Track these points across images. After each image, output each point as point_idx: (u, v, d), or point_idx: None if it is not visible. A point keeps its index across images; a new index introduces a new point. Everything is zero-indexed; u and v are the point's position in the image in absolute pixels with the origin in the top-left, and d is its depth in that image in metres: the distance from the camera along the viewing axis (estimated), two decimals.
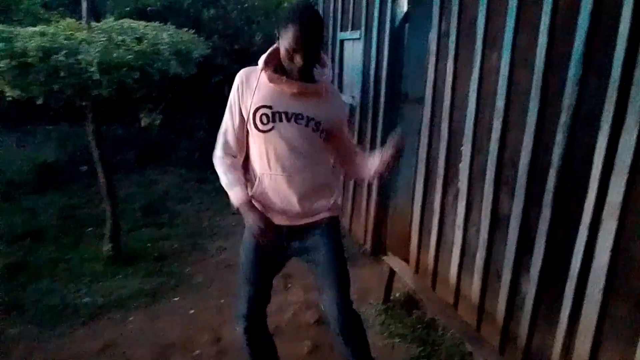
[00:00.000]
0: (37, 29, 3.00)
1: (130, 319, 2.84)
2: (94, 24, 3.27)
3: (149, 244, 3.85)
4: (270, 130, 1.68)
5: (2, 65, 2.42)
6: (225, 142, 1.77)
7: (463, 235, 2.43)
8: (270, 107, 1.68)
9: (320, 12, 4.71)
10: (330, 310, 1.83)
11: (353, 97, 3.87)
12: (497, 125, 2.14)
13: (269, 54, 1.70)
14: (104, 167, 3.38)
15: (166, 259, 3.61)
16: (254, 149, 1.76)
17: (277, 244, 1.80)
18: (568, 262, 1.76)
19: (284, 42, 1.59)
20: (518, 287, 2.06)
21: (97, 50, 2.62)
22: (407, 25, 3.23)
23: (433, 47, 2.68)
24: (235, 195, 1.73)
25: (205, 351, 2.54)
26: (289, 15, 1.61)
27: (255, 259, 1.85)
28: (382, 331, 2.68)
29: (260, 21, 5.89)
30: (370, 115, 3.55)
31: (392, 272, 2.86)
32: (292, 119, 1.69)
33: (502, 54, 2.10)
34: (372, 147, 3.52)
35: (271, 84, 1.68)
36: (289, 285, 3.21)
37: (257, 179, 1.77)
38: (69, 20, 3.37)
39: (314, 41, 1.60)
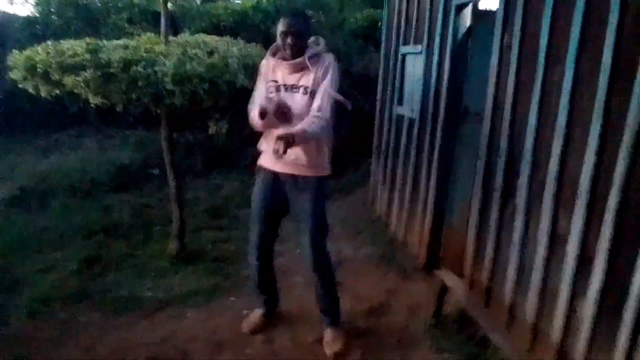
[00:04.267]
0: (120, 41, 3.29)
1: (188, 314, 3.00)
2: (171, 38, 3.52)
3: (210, 245, 4.03)
4: (275, 96, 2.32)
5: (87, 75, 2.68)
6: (254, 101, 2.43)
7: (519, 253, 2.38)
8: (275, 82, 2.40)
9: (384, 25, 4.77)
10: (305, 250, 2.48)
11: (412, 110, 3.89)
12: (557, 142, 2.10)
13: (273, 47, 2.43)
14: (174, 171, 3.61)
15: (224, 261, 3.77)
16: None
17: (276, 183, 2.48)
18: (628, 282, 1.69)
19: (278, 29, 2.30)
20: (575, 307, 1.99)
21: (172, 62, 2.83)
22: (470, 40, 3.22)
23: (494, 61, 2.65)
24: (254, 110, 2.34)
25: (256, 351, 2.63)
26: (285, 12, 2.46)
27: (262, 201, 2.54)
28: (431, 346, 2.65)
29: (324, 35, 6.02)
30: (428, 129, 3.54)
31: (444, 287, 2.83)
32: (289, 89, 2.37)
33: (565, 70, 2.06)
34: (430, 160, 3.52)
35: (275, 66, 2.39)
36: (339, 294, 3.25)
37: (265, 133, 2.47)
38: (149, 34, 3.65)
39: (297, 26, 2.27)
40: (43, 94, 3.08)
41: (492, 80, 2.68)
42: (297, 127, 2.19)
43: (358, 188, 5.61)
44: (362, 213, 4.91)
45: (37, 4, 6.72)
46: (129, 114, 5.95)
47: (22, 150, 6.14)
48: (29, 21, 6.48)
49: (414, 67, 3.94)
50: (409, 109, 4.01)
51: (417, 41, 3.86)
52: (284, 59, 2.36)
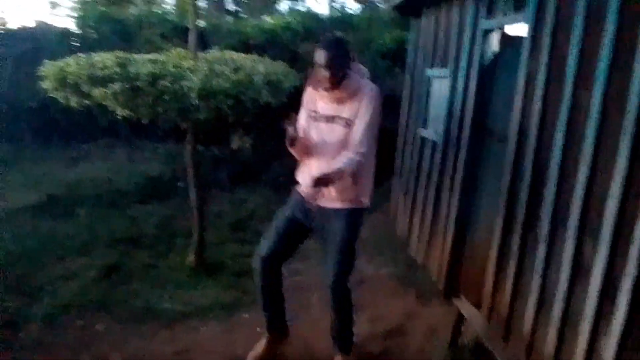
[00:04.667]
0: (150, 56, 3.38)
1: (204, 328, 3.01)
2: (200, 54, 3.61)
3: (231, 259, 4.05)
4: (314, 126, 2.32)
5: (116, 87, 2.76)
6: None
7: (541, 283, 2.30)
8: (316, 112, 2.35)
9: (410, 48, 4.78)
10: (326, 280, 2.37)
11: (436, 132, 3.86)
12: (583, 169, 2.04)
13: (312, 76, 2.32)
14: (197, 184, 3.67)
15: (245, 275, 3.75)
16: (305, 142, 2.32)
17: (306, 211, 2.38)
18: None
19: (315, 61, 2.19)
20: (597, 343, 1.91)
21: (198, 78, 2.89)
22: (496, 64, 3.20)
23: (521, 85, 2.62)
24: None
25: None
26: (320, 40, 2.26)
27: (287, 216, 2.46)
28: None
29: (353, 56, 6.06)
30: (452, 151, 3.51)
31: (461, 316, 2.76)
32: (326, 120, 2.32)
33: (592, 95, 2.02)
34: (452, 184, 3.47)
35: (315, 95, 2.34)
36: (356, 313, 3.20)
37: (301, 163, 2.44)
38: (179, 49, 3.75)
39: (331, 58, 2.15)
40: (73, 104, 3.19)
41: (517, 104, 2.64)
42: (334, 167, 2.15)
43: (380, 207, 5.56)
44: (383, 233, 4.87)
45: (77, 17, 7.00)
46: (158, 127, 6.07)
47: (53, 159, 6.34)
48: (65, 33, 6.73)
49: (440, 90, 3.93)
50: (433, 132, 3.98)
51: (444, 65, 3.85)
52: (325, 89, 2.26)
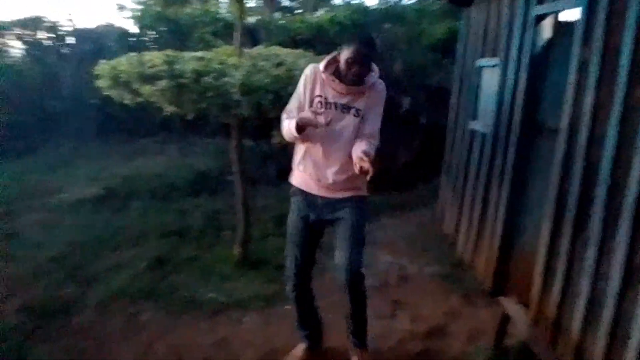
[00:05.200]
0: (198, 53, 3.46)
1: (245, 319, 3.06)
2: (246, 50, 3.66)
3: (274, 253, 4.08)
4: (322, 113, 2.18)
5: (163, 84, 2.84)
6: (289, 115, 2.32)
7: (591, 286, 2.16)
8: (325, 98, 2.24)
9: (461, 38, 4.62)
10: (338, 265, 2.30)
11: (486, 125, 3.71)
12: (637, 165, 1.89)
13: (329, 60, 2.27)
14: (242, 179, 3.73)
15: None
16: (309, 130, 2.21)
17: (313, 206, 2.36)
18: None
19: (345, 55, 2.15)
20: None
21: (241, 74, 2.93)
22: (549, 52, 3.03)
23: (572, 76, 2.47)
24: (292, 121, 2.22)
25: None
26: (354, 37, 2.19)
27: (300, 227, 2.41)
28: None
29: (401, 48, 5.96)
30: (501, 144, 3.36)
31: (506, 316, 2.65)
32: (339, 109, 2.23)
33: None
34: (501, 178, 3.33)
35: (326, 82, 2.24)
36: (396, 312, 3.15)
37: (304, 152, 2.33)
38: (226, 47, 3.82)
39: (366, 56, 2.15)
40: (126, 101, 3.33)
41: (569, 96, 2.49)
42: (365, 148, 2.09)
43: (427, 203, 5.45)
44: (429, 230, 4.77)
45: (135, 18, 7.32)
46: (209, 123, 6.23)
47: (112, 153, 6.68)
48: (124, 33, 7.05)
49: (490, 80, 3.77)
50: (482, 124, 3.83)
51: (495, 54, 3.69)
52: (341, 80, 2.23)
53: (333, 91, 2.25)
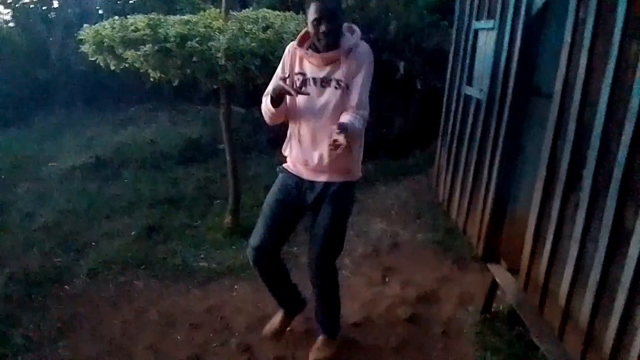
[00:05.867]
0: (184, 17, 3.35)
1: (236, 287, 3.07)
2: (233, 13, 3.54)
3: None
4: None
5: (146, 49, 2.76)
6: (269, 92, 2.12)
7: (579, 250, 2.15)
8: (303, 74, 2.10)
9: (457, 0, 4.49)
10: (310, 259, 2.27)
11: (481, 90, 3.64)
12: (629, 127, 1.85)
13: (301, 35, 2.14)
14: (231, 147, 3.68)
15: None
16: (291, 111, 2.13)
17: (297, 190, 2.22)
18: None
19: (310, 17, 1.99)
20: (632, 313, 1.77)
21: (226, 38, 2.84)
22: (546, 15, 2.93)
23: (567, 37, 2.39)
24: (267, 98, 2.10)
25: (297, 328, 2.63)
26: None
27: (276, 200, 2.26)
28: (475, 342, 2.51)
29: (397, 10, 5.80)
30: (495, 109, 3.30)
31: (494, 283, 2.66)
32: (319, 83, 2.07)
33: None
34: (495, 144, 3.29)
35: (303, 57, 2.10)
36: (387, 279, 3.17)
37: (289, 135, 2.22)
38: (212, 10, 3.69)
39: (332, 9, 1.97)
40: (112, 67, 3.25)
41: (563, 58, 2.41)
42: (343, 120, 1.91)
43: (423, 170, 5.42)
44: (424, 197, 4.75)
45: None
46: (200, 90, 6.12)
47: (102, 122, 6.58)
48: None
49: (486, 44, 3.67)
50: (477, 89, 3.76)
51: (490, 16, 3.58)
52: (316, 50, 2.07)
53: (310, 65, 2.09)
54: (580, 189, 2.18)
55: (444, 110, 4.75)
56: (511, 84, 3.10)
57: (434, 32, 6.07)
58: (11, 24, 7.56)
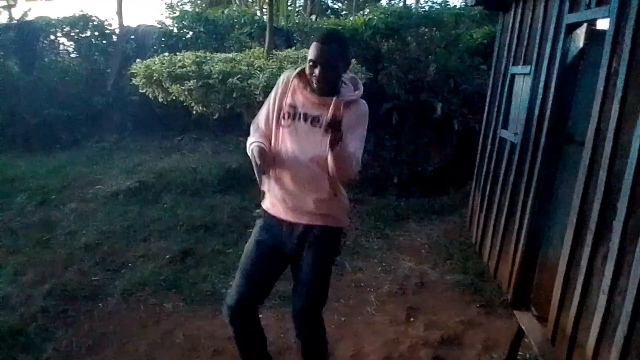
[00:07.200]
0: (229, 55, 3.57)
1: (261, 316, 3.09)
2: (276, 52, 3.73)
3: None
4: (289, 126, 1.92)
5: (190, 84, 2.95)
6: (257, 127, 2.04)
7: (607, 303, 2.10)
8: (295, 107, 1.93)
9: (496, 45, 4.54)
10: (294, 313, 2.10)
11: (516, 133, 3.64)
12: None
13: (303, 68, 1.93)
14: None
15: None
16: (275, 145, 1.96)
17: (278, 230, 2.03)
18: None
19: (308, 55, 1.83)
20: None
21: (265, 76, 2.99)
22: (582, 62, 2.94)
23: (600, 86, 2.39)
24: (251, 143, 1.95)
25: None
26: (316, 34, 1.95)
27: (255, 253, 2.05)
28: None
29: (437, 52, 5.90)
30: (529, 153, 3.29)
31: (520, 330, 2.59)
32: (309, 121, 1.90)
33: None
34: (527, 189, 3.26)
35: (298, 89, 1.94)
36: (412, 318, 3.14)
37: (271, 171, 1.99)
38: (257, 49, 3.91)
39: (330, 58, 1.80)
40: (160, 99, 3.47)
41: (596, 107, 2.42)
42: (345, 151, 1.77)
43: (457, 210, 5.37)
44: (456, 237, 4.69)
45: (173, 18, 7.56)
46: (242, 122, 6.35)
47: (149, 148, 6.91)
48: (164, 33, 7.29)
49: (522, 89, 3.70)
50: (512, 132, 3.76)
51: (527, 61, 3.62)
52: (313, 89, 1.91)
53: (304, 100, 1.92)
54: (610, 240, 2.14)
55: (479, 151, 4.75)
56: (545, 129, 3.10)
57: (474, 75, 6.12)
58: (73, 55, 8.17)
